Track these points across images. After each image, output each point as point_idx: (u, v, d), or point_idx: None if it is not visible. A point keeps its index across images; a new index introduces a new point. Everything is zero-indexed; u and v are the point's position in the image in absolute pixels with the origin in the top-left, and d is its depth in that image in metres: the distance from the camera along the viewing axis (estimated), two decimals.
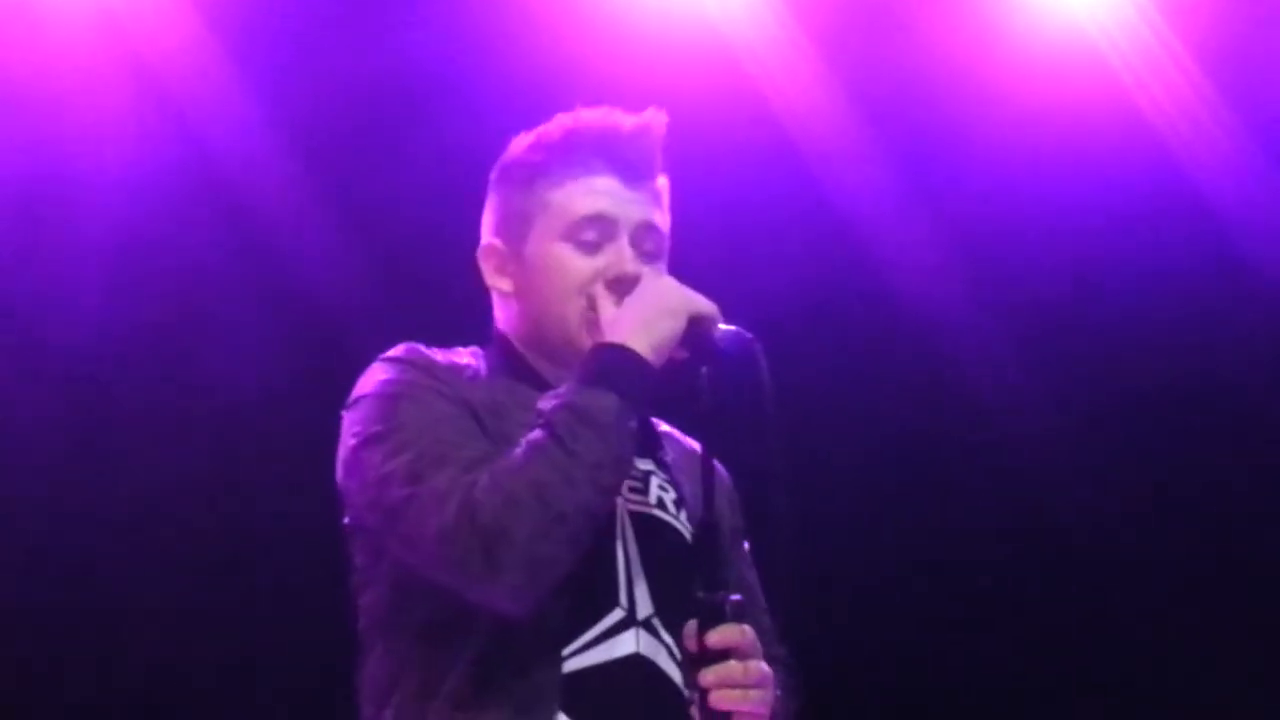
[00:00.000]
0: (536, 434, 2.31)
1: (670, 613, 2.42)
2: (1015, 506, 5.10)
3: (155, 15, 4.45)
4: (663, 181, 2.57)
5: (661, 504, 2.51)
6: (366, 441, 2.38)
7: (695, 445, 2.60)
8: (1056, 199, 4.86)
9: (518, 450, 2.30)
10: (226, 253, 4.60)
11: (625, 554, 2.43)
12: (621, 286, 2.47)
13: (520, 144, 2.57)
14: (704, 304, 2.41)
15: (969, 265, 4.92)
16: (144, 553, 4.59)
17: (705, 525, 2.37)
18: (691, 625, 2.35)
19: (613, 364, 2.35)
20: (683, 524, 2.51)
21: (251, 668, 4.63)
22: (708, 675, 2.31)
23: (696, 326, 2.40)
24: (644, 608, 2.41)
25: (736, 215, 4.71)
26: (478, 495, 2.26)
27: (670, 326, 2.38)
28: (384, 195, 4.51)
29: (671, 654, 2.42)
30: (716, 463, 2.62)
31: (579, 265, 2.49)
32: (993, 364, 4.98)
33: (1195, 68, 4.72)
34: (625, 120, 2.53)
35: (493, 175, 2.60)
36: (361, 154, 4.57)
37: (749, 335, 2.39)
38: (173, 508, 4.62)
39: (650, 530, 2.47)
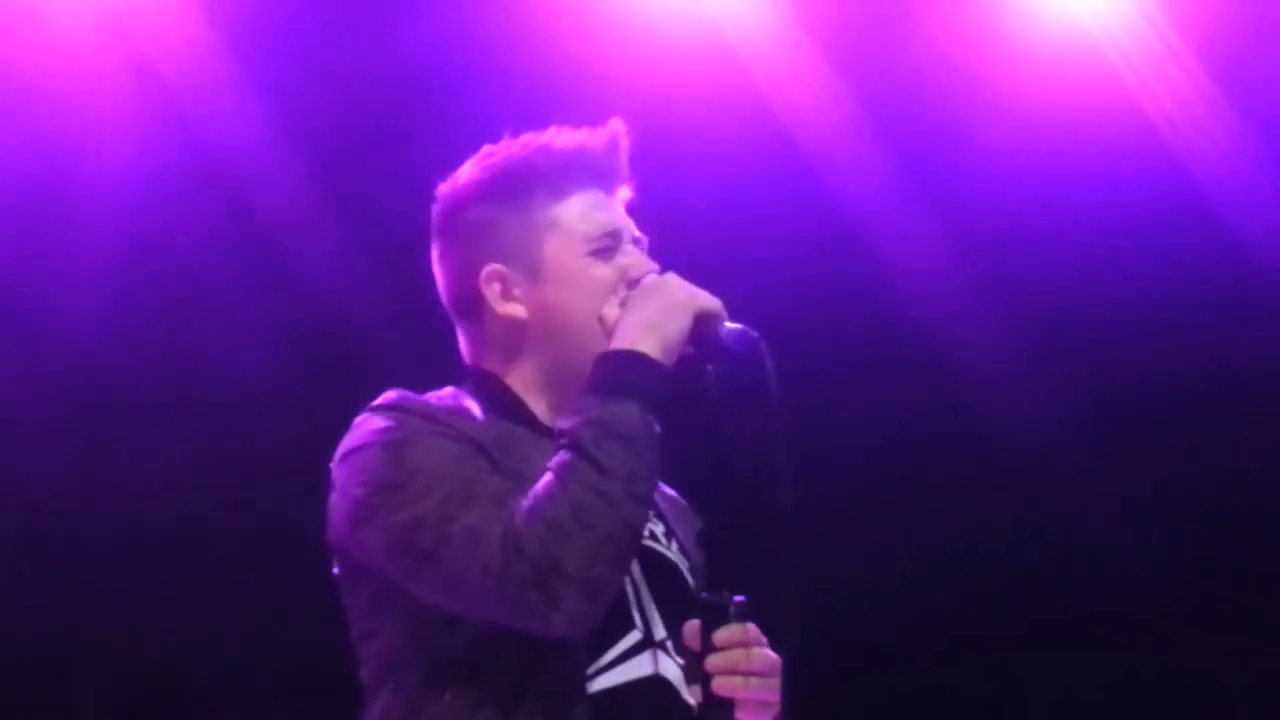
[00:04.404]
0: (564, 455, 2.29)
1: (680, 639, 2.40)
2: (1019, 506, 5.10)
3: (158, 14, 4.45)
4: (626, 192, 2.56)
5: (654, 536, 2.48)
6: (380, 490, 2.32)
7: (666, 488, 2.60)
8: (1059, 198, 4.86)
9: (549, 476, 2.28)
10: (230, 252, 4.60)
11: (632, 579, 2.40)
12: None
13: (479, 174, 2.53)
14: (710, 300, 2.41)
15: (971, 264, 4.92)
16: (148, 549, 4.59)
17: (710, 527, 2.38)
18: (693, 625, 2.35)
19: (627, 370, 2.34)
20: (674, 555, 2.49)
21: (256, 665, 4.65)
22: (714, 659, 2.31)
23: (703, 323, 2.40)
24: (658, 630, 2.40)
25: (737, 214, 4.72)
26: (519, 529, 2.24)
27: (678, 325, 2.38)
28: (388, 194, 4.51)
29: (685, 677, 2.40)
30: (675, 493, 2.63)
31: (605, 272, 2.47)
32: (995, 363, 4.98)
33: (1198, 67, 4.72)
34: (594, 136, 2.52)
35: (450, 209, 2.54)
36: (365, 152, 4.57)
37: (755, 334, 2.39)
38: (177, 506, 4.63)
39: (649, 559, 2.45)
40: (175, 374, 4.62)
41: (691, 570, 2.49)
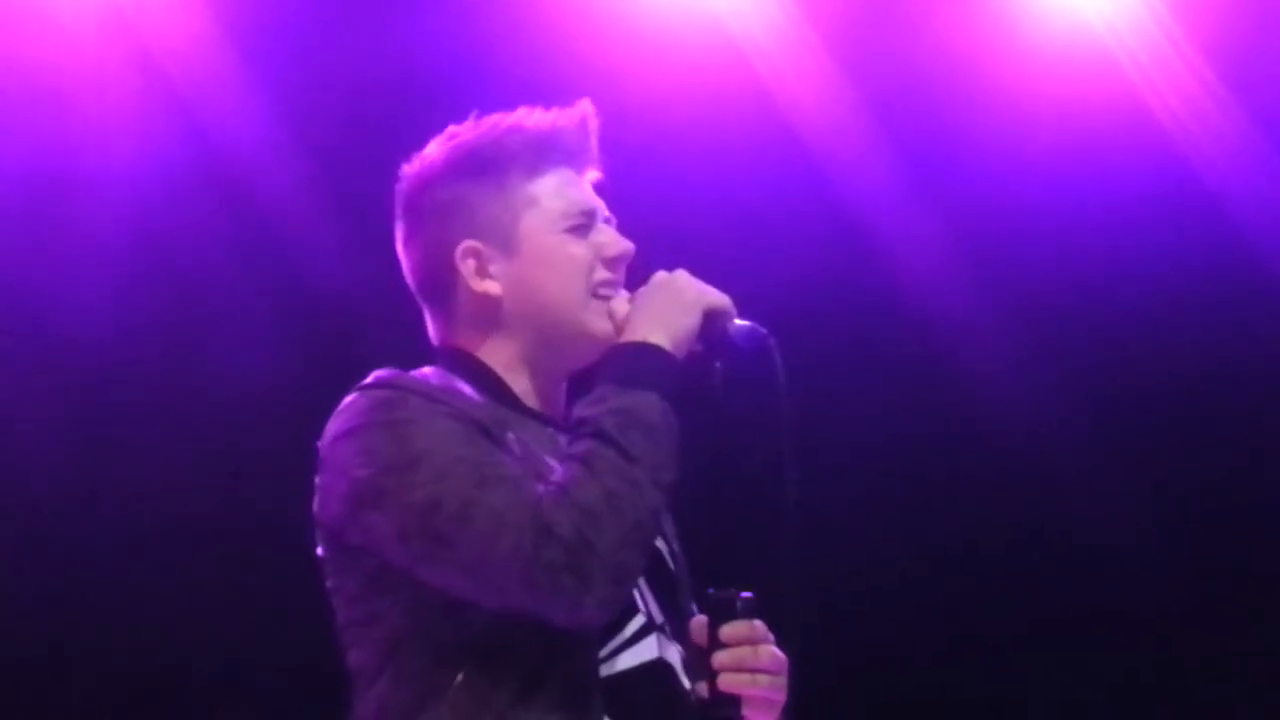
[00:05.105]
0: (589, 443, 2.28)
1: (673, 624, 2.41)
2: (1022, 505, 5.10)
3: (163, 11, 4.46)
4: (594, 173, 2.54)
5: None
6: (389, 471, 2.27)
7: None
8: (1064, 196, 4.86)
9: (574, 463, 2.27)
10: (234, 249, 4.60)
11: None
12: (617, 265, 2.47)
13: (448, 153, 2.50)
14: (719, 297, 2.42)
15: (976, 262, 4.92)
16: (148, 549, 4.59)
17: (716, 523, 2.38)
18: (700, 620, 2.36)
19: (644, 362, 2.34)
20: (658, 542, 2.47)
21: (256, 665, 4.64)
22: (721, 656, 2.32)
23: (712, 320, 2.40)
24: (658, 615, 2.40)
25: (743, 211, 4.72)
26: (548, 513, 2.22)
27: (688, 321, 2.38)
28: (392, 192, 4.52)
29: (685, 666, 2.41)
30: None
31: (581, 250, 2.46)
32: (999, 361, 4.98)
33: (1204, 65, 4.73)
34: (564, 116, 2.51)
35: (419, 188, 2.50)
36: (369, 150, 4.55)
37: (763, 330, 2.40)
38: (177, 506, 4.62)
39: None
40: (176, 373, 4.62)
41: (670, 556, 2.49)
